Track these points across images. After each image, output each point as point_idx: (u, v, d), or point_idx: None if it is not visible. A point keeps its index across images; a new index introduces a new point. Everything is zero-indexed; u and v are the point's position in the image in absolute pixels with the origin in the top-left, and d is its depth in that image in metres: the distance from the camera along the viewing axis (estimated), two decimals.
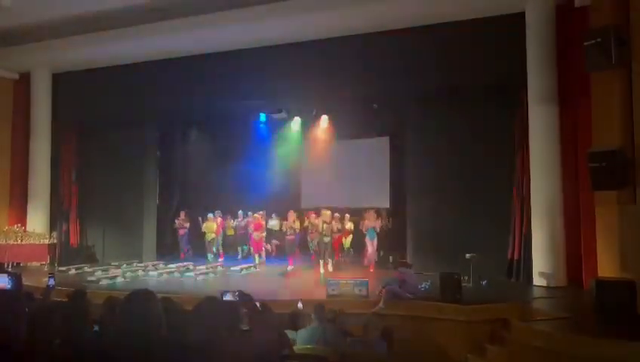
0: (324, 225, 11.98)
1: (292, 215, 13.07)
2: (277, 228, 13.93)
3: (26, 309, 3.82)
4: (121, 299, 2.68)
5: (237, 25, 11.23)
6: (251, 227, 13.72)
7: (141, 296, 2.76)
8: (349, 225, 13.26)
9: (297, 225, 13.02)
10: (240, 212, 14.51)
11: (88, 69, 13.49)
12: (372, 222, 12.30)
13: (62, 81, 14.12)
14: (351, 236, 13.33)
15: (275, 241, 14.21)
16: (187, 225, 14.60)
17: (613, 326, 6.30)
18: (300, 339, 4.98)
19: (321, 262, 11.86)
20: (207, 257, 14.19)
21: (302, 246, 13.36)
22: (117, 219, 14.41)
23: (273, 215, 14.14)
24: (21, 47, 13.16)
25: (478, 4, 9.94)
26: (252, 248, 13.63)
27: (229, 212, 14.67)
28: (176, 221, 14.74)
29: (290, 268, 12.24)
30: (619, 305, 6.57)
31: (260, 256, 13.27)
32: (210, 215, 14.35)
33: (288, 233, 12.85)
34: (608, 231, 8.20)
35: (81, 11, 11.91)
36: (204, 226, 14.28)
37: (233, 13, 11.06)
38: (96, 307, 4.47)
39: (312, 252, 13.05)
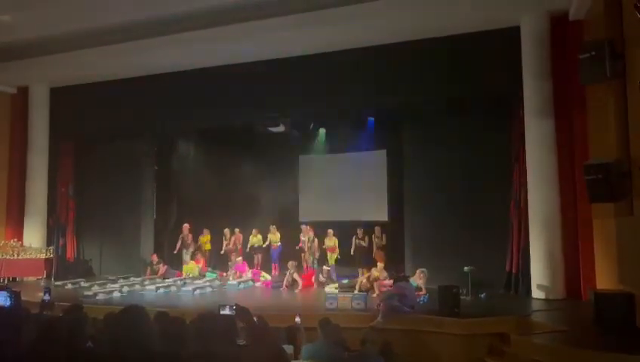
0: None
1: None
2: (261, 243, 13.93)
3: (24, 326, 3.81)
4: (114, 314, 2.68)
5: (234, 40, 11.29)
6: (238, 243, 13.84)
7: (132, 313, 2.75)
8: (334, 241, 13.17)
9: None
10: (226, 230, 14.29)
11: (86, 83, 13.55)
12: (416, 280, 10.17)
13: (59, 95, 14.19)
14: (337, 252, 13.22)
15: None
16: (165, 268, 13.63)
17: (613, 338, 6.26)
18: (306, 354, 4.95)
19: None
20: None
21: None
22: (114, 233, 14.37)
23: (253, 230, 14.06)
24: (19, 61, 13.19)
25: (474, 18, 10.03)
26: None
27: (227, 225, 14.56)
28: (153, 267, 13.64)
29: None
30: (618, 318, 6.55)
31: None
32: (205, 229, 14.32)
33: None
34: (606, 243, 8.21)
35: (79, 27, 11.99)
36: (200, 240, 14.24)
37: (229, 29, 11.11)
38: (92, 322, 4.43)
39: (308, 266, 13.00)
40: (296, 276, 11.63)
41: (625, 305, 6.58)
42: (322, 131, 14.70)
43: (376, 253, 11.84)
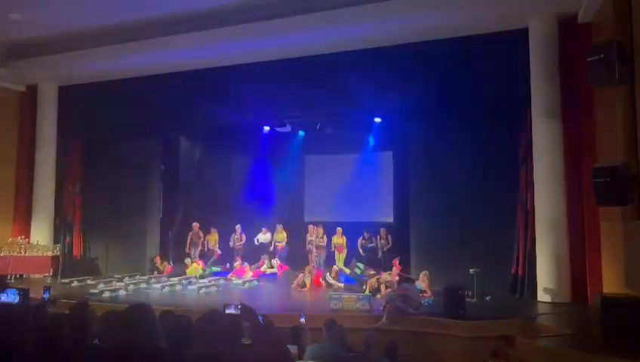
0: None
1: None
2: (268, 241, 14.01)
3: (32, 323, 3.83)
4: (119, 312, 2.68)
5: (240, 39, 11.30)
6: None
7: (138, 311, 2.76)
8: (342, 240, 13.15)
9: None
10: (237, 226, 14.38)
11: (94, 81, 13.62)
12: (420, 283, 10.04)
13: (68, 94, 14.26)
14: (345, 251, 13.19)
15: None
16: (170, 266, 13.82)
17: (619, 343, 6.22)
18: (310, 354, 4.94)
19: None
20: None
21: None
22: (120, 232, 14.42)
23: (263, 229, 14.12)
24: (28, 59, 13.30)
25: (481, 20, 10.00)
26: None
27: (233, 224, 14.61)
28: (159, 267, 13.84)
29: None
30: (624, 322, 6.50)
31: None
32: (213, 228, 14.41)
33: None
34: (613, 246, 8.15)
35: (88, 26, 12.07)
36: (208, 239, 14.31)
37: (237, 29, 11.14)
38: (98, 319, 4.44)
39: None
40: (308, 280, 11.64)
41: (632, 310, 6.53)
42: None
43: (394, 260, 11.85)
